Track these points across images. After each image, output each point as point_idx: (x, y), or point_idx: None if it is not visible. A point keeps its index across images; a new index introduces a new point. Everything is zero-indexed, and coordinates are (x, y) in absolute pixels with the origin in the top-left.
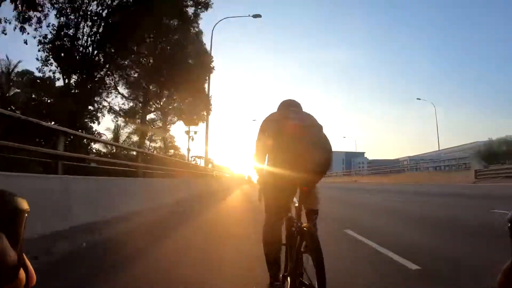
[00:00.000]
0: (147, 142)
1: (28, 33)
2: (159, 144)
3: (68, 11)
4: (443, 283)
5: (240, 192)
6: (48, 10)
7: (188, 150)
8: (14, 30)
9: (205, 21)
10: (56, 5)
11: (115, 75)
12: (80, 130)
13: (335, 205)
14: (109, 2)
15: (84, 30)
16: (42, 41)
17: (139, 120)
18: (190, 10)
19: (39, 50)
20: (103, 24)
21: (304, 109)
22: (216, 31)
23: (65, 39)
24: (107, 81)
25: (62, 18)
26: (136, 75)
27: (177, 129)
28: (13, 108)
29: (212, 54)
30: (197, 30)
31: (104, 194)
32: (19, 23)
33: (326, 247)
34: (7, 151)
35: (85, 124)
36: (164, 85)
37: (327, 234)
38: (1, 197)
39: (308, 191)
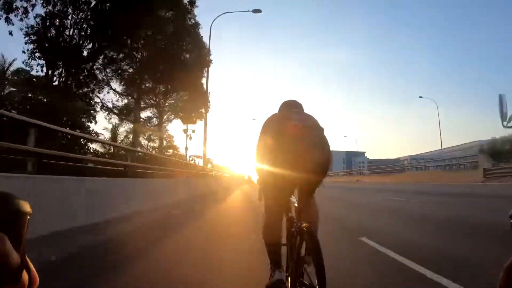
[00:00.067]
0: (145, 142)
1: (13, 24)
2: (158, 143)
3: None
4: None
5: (240, 192)
6: (36, 0)
7: (186, 149)
8: None
9: (204, 18)
10: None
11: (107, 70)
12: (77, 130)
13: (342, 207)
14: None
15: (71, 19)
16: (29, 32)
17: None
18: None
19: (25, 43)
20: (91, 13)
21: (305, 110)
22: (215, 30)
23: (51, 28)
24: (99, 77)
25: (49, 6)
26: (130, 70)
27: (175, 128)
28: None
29: (210, 51)
30: (193, 21)
31: (90, 196)
32: (4, 13)
33: (340, 261)
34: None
35: (82, 123)
36: (159, 80)
37: (341, 243)
38: (3, 199)
39: (308, 192)
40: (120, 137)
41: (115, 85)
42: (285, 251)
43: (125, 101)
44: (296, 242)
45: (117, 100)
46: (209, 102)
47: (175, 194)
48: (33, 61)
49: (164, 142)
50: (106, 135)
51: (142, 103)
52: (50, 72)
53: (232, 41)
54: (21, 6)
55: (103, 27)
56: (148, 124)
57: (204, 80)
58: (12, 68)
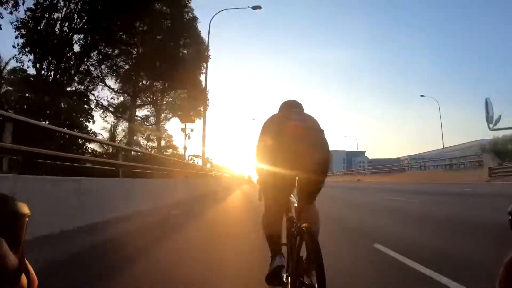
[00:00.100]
0: (144, 142)
1: (2, 17)
2: (156, 143)
3: None
4: None
5: (240, 193)
6: None
7: (185, 148)
8: None
9: (203, 15)
10: None
11: (102, 67)
12: (76, 130)
13: (349, 209)
14: None
15: (62, 11)
16: (19, 26)
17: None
18: None
19: (16, 37)
20: (83, 5)
21: (305, 110)
22: (215, 29)
23: (40, 21)
24: (94, 73)
25: None
26: (126, 66)
27: (173, 127)
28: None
29: (209, 48)
30: (191, 16)
31: (86, 197)
32: None
33: (354, 278)
34: None
35: (80, 123)
36: (156, 76)
37: (352, 251)
38: (2, 201)
39: (308, 192)
40: (119, 136)
41: (110, 82)
42: (285, 251)
43: (121, 98)
44: (296, 242)
45: (112, 98)
46: (208, 100)
47: (173, 194)
48: (24, 56)
49: (163, 142)
50: (104, 135)
51: (138, 100)
52: (38, 66)
53: (231, 41)
54: None
55: (95, 20)
56: (145, 123)
57: (202, 77)
58: (8, 67)
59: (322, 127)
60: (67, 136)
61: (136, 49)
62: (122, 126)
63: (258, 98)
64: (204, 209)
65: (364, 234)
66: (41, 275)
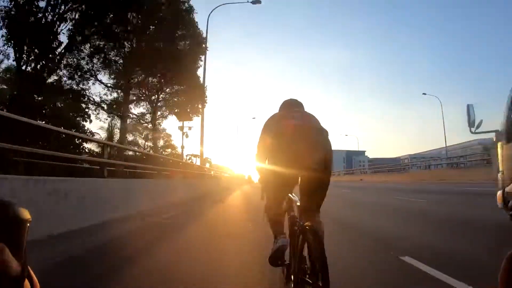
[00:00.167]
0: (142, 141)
1: None
2: (152, 142)
3: None
4: None
5: (240, 193)
6: None
7: (182, 147)
8: None
9: (202, 11)
10: None
11: (93, 60)
12: (73, 129)
13: (359, 211)
14: None
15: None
16: (3, 15)
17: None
18: None
19: (0, 28)
20: None
21: (305, 109)
22: (215, 29)
23: (24, 6)
24: (86, 67)
25: None
26: (117, 59)
27: (170, 125)
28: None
29: (208, 48)
30: (187, 6)
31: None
32: None
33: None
34: None
35: (77, 122)
36: (150, 70)
37: (377, 265)
38: (3, 207)
39: (309, 191)
40: (117, 136)
41: (103, 77)
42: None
43: (114, 94)
44: (299, 241)
45: (105, 94)
46: (206, 97)
47: (169, 195)
48: (9, 48)
49: (162, 141)
50: (102, 135)
51: (133, 96)
52: (18, 55)
53: (231, 40)
54: None
55: (86, 11)
56: (141, 120)
57: (200, 72)
58: (3, 65)
59: (324, 126)
60: (63, 135)
61: (129, 42)
62: (118, 124)
63: (258, 97)
64: (201, 212)
65: (387, 244)
66: (41, 275)
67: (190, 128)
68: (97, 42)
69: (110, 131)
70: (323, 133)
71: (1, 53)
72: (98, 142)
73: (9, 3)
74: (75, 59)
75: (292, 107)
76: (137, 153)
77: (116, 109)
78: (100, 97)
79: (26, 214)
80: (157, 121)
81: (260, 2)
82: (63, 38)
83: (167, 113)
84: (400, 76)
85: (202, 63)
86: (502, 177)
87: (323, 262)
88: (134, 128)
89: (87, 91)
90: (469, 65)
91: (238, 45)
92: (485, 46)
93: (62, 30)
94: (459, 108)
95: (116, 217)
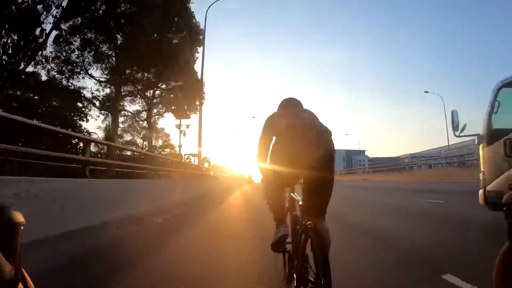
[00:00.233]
0: (140, 141)
1: None
2: (160, 142)
3: None
4: None
5: (240, 193)
6: None
7: (180, 146)
8: None
9: (201, 9)
10: None
11: (84, 53)
12: (69, 129)
13: (378, 215)
14: None
15: None
16: None
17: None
18: None
19: None
20: None
21: (304, 107)
22: (215, 29)
23: None
24: (77, 60)
25: None
26: (109, 52)
27: (167, 123)
28: None
29: (205, 43)
30: None
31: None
32: None
33: None
34: None
35: (74, 121)
36: (144, 63)
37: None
38: None
39: (310, 190)
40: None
41: (94, 72)
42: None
43: (107, 90)
44: (301, 240)
45: (97, 90)
46: (204, 93)
47: (165, 196)
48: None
49: (161, 141)
50: (99, 134)
51: (126, 92)
52: None
53: (231, 40)
54: None
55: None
56: (136, 118)
57: (197, 67)
58: None
59: (328, 127)
60: (60, 135)
61: (121, 34)
62: (111, 121)
63: (258, 97)
64: (201, 215)
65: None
66: (41, 276)
67: (188, 126)
68: (88, 35)
69: (107, 131)
70: (323, 132)
71: None
72: (80, 138)
73: None
74: (64, 52)
75: (290, 106)
76: (135, 153)
77: (109, 106)
78: (92, 93)
79: (20, 217)
80: (152, 119)
81: None
82: (49, 28)
83: (164, 111)
84: (400, 76)
85: (199, 55)
86: (483, 177)
87: (326, 260)
88: (131, 127)
89: (69, 82)
90: (469, 65)
91: (238, 45)
92: (485, 46)
93: (47, 16)
94: (459, 108)
95: (114, 218)
